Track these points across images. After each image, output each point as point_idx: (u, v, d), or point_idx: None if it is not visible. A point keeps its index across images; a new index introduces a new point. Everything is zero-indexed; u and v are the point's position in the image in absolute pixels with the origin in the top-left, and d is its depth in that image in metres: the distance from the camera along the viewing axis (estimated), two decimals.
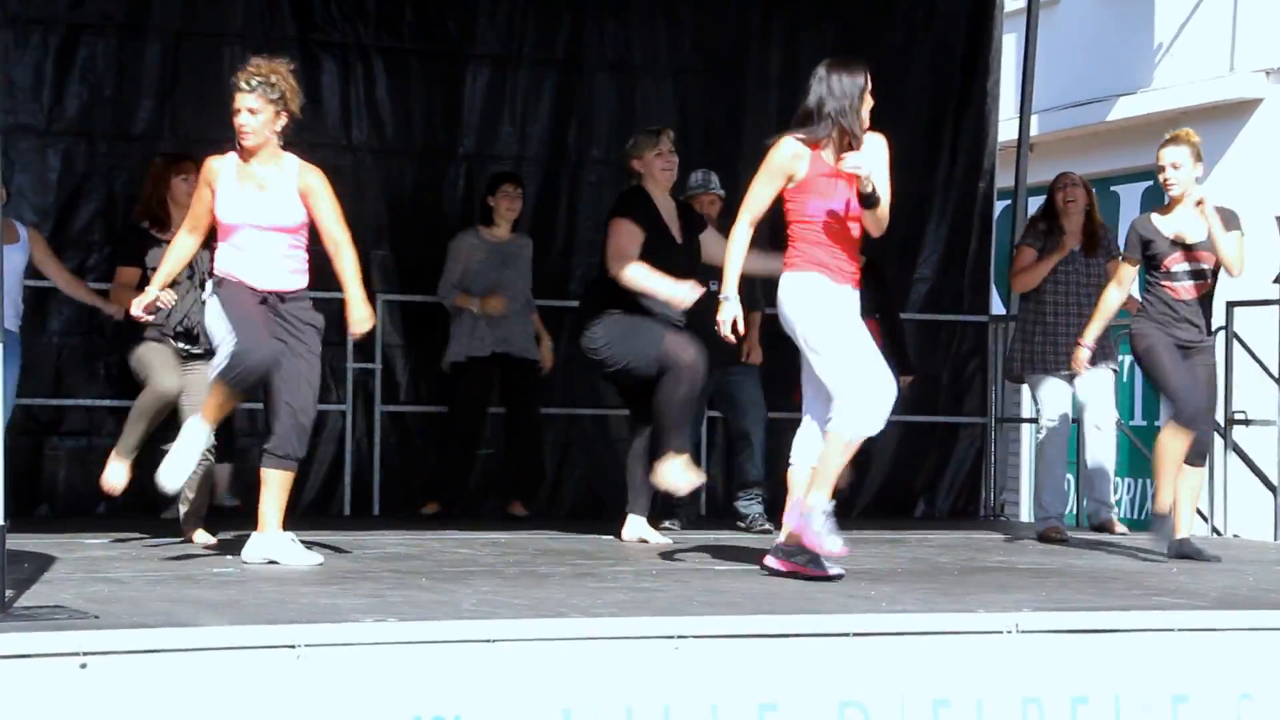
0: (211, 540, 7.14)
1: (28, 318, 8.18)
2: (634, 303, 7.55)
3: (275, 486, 6.46)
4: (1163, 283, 7.42)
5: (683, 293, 7.34)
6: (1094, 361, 8.13)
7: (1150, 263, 7.47)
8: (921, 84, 10.63)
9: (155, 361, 7.28)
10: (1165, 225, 7.44)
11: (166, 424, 7.23)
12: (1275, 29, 12.52)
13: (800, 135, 6.26)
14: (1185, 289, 7.39)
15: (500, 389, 9.35)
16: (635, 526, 7.78)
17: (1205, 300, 7.45)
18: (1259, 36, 12.61)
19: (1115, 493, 9.79)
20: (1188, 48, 13.07)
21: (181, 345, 7.30)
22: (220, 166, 6.46)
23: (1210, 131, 10.79)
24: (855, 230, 6.28)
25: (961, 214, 10.73)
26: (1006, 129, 11.14)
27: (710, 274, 7.52)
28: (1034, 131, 11.48)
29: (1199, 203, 7.33)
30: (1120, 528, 8.77)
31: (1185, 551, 7.36)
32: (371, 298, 9.61)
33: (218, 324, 6.40)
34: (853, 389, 6.09)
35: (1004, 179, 11.09)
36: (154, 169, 7.73)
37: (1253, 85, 12.66)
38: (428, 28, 9.93)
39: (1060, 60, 13.19)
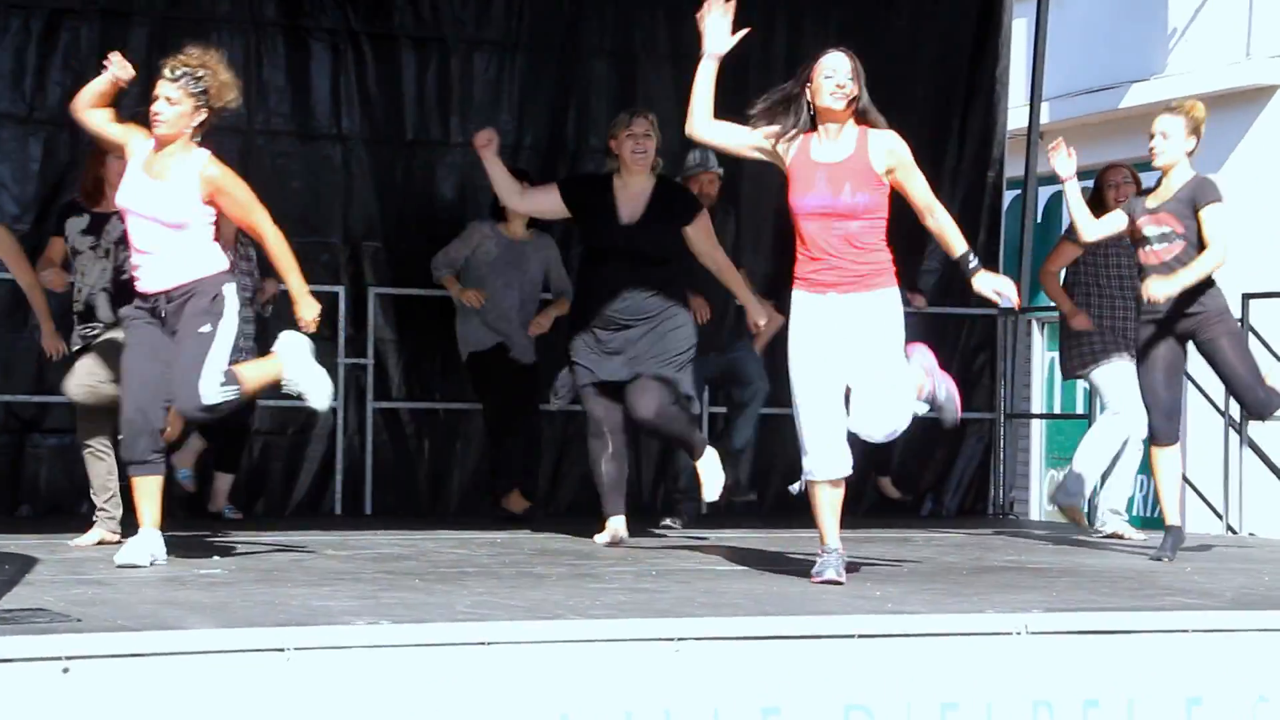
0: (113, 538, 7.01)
1: (7, 314, 8.08)
2: (588, 304, 7.65)
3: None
4: (1139, 250, 7.23)
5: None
6: (1108, 350, 7.99)
7: (1133, 240, 7.31)
8: (929, 71, 10.53)
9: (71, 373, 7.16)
10: (1149, 196, 7.31)
11: None
12: None
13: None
14: (1155, 253, 7.16)
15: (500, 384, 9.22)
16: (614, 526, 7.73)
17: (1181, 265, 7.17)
18: (1275, 21, 12.52)
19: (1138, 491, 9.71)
20: (1202, 33, 12.98)
21: (80, 331, 7.13)
22: (138, 146, 6.37)
23: (1225, 118, 10.72)
24: (839, 228, 5.97)
25: (970, 204, 10.62)
26: (1016, 117, 11.03)
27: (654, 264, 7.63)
28: (1044, 119, 11.38)
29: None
30: (1133, 533, 8.54)
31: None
32: (363, 291, 9.63)
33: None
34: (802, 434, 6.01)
35: (1014, 168, 10.98)
36: (94, 147, 7.61)
37: (1269, 71, 12.56)
38: (419, 13, 9.82)
39: (1071, 46, 13.10)
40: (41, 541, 6.98)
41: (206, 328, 6.21)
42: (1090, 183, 8.70)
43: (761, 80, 10.44)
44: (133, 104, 8.82)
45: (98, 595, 5.24)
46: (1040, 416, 13.86)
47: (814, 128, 6.09)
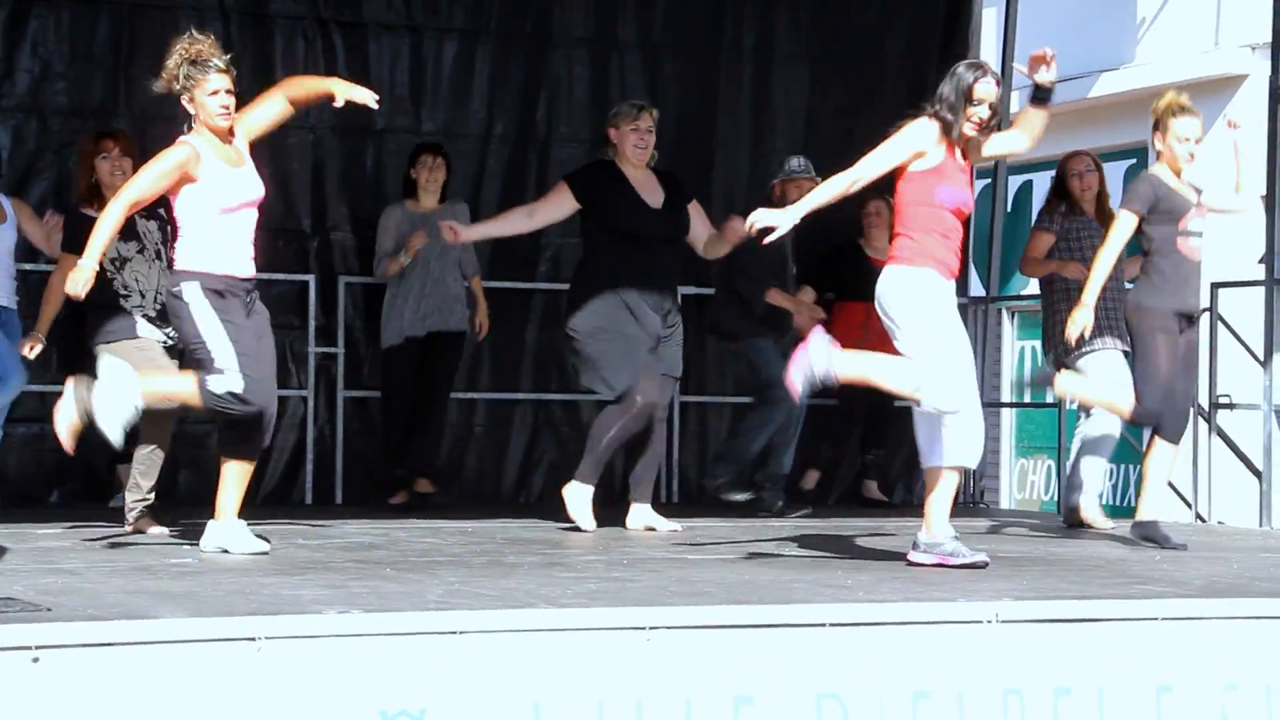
0: (164, 530, 7.00)
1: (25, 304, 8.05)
2: (620, 286, 7.64)
3: (234, 476, 6.37)
4: (1179, 241, 7.23)
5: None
6: (1101, 336, 7.97)
7: (1161, 221, 7.26)
8: (898, 62, 10.53)
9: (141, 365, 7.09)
10: (1177, 184, 7.29)
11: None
12: (1261, 2, 12.45)
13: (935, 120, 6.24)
14: (1198, 249, 7.25)
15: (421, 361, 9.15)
16: (640, 515, 7.82)
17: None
18: (1244, 10, 12.55)
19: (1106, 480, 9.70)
20: (1171, 22, 13.01)
21: (166, 332, 7.04)
22: (200, 149, 6.29)
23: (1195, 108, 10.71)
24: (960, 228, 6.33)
25: None
26: None
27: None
28: (1014, 109, 11.37)
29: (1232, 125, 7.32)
30: (1106, 523, 8.55)
31: (1149, 534, 7.26)
32: (333, 280, 9.60)
33: (206, 330, 6.23)
34: (953, 417, 6.17)
35: None
36: (80, 150, 7.58)
37: (1238, 60, 12.59)
38: (389, 1, 9.77)
39: (1041, 36, 13.00)
40: (11, 531, 6.94)
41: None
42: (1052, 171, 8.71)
43: (732, 69, 10.51)
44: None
45: (68, 584, 5.21)
46: (1011, 405, 13.87)
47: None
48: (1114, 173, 13.34)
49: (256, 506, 9.11)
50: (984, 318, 10.72)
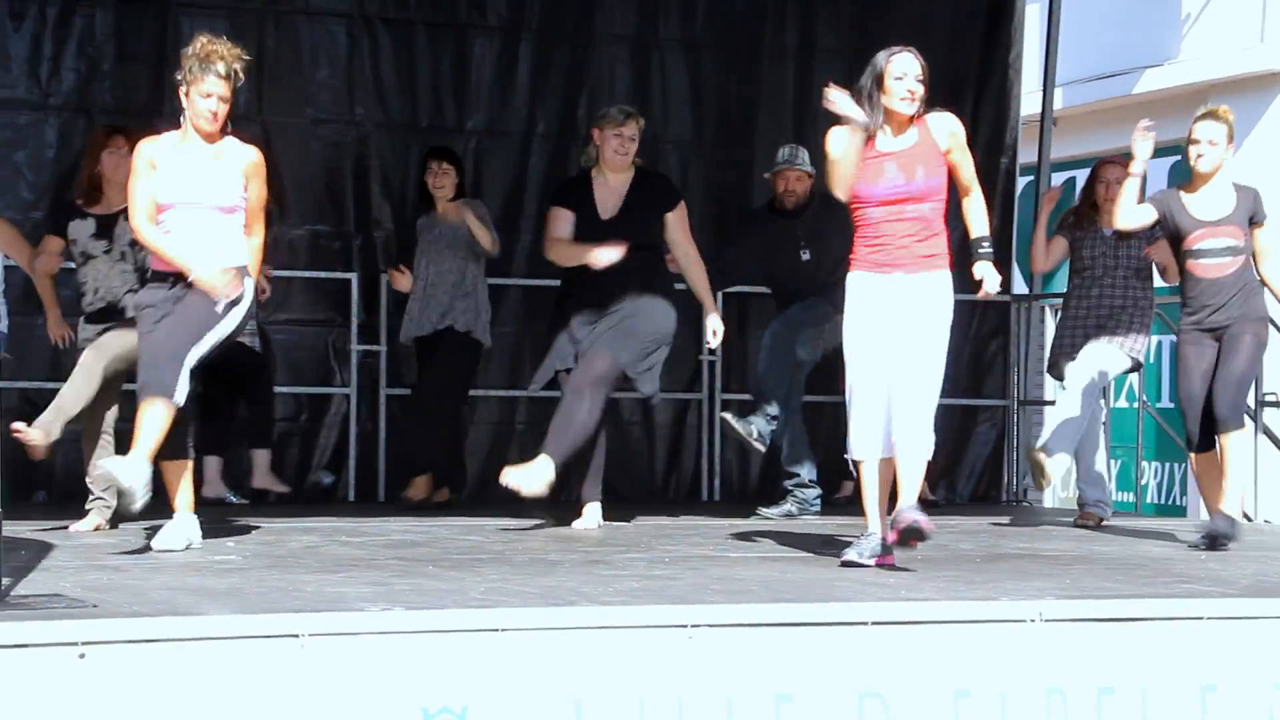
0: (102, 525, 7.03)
1: (21, 301, 8.08)
2: (565, 301, 7.70)
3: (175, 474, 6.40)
4: (1188, 262, 7.28)
5: (600, 255, 7.47)
6: (1107, 334, 7.99)
7: (1173, 241, 7.33)
8: (941, 58, 10.40)
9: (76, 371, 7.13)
10: (1192, 203, 7.30)
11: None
12: None
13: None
14: (1215, 267, 7.24)
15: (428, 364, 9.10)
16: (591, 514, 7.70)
17: (1239, 277, 7.26)
18: None
19: (1143, 477, 9.63)
20: (1215, 18, 12.92)
21: (96, 329, 7.12)
22: (165, 143, 6.34)
23: (1238, 104, 10.60)
24: (912, 211, 6.15)
25: (983, 190, 10.53)
26: (1029, 103, 10.99)
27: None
28: (1058, 105, 11.35)
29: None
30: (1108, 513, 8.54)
31: (1221, 530, 7.22)
32: (375, 278, 9.61)
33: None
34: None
35: (1027, 154, 10.94)
36: (90, 141, 7.58)
37: None
38: None
39: (1085, 32, 13.06)
40: (57, 527, 6.99)
41: (219, 308, 6.25)
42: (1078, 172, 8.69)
43: (774, 67, 10.50)
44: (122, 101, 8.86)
45: (113, 581, 5.24)
46: (1054, 404, 13.81)
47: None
48: (1157, 169, 13.27)
49: (301, 503, 9.23)
50: (1026, 315, 10.68)
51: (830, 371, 9.33)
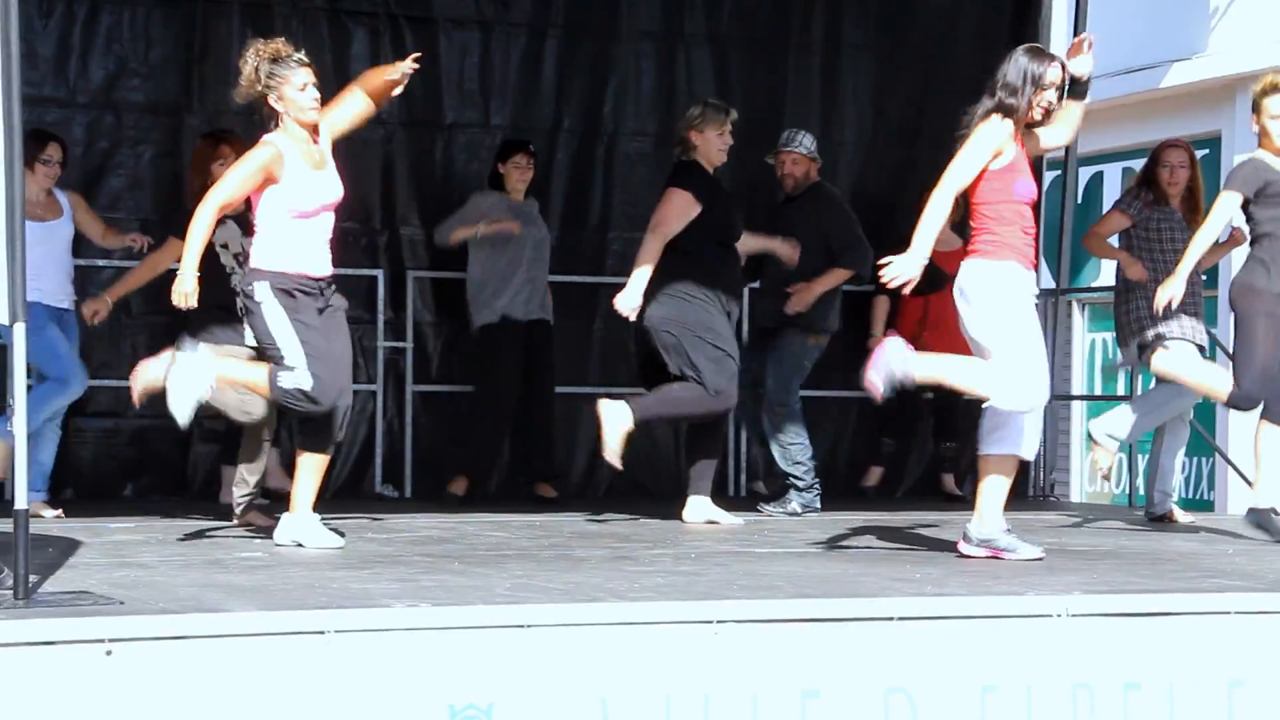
0: (272, 523, 7.07)
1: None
2: (701, 278, 7.70)
3: (308, 469, 6.40)
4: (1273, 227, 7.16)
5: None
6: (1168, 324, 7.86)
7: (1267, 205, 7.18)
8: (968, 51, 10.45)
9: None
10: (1278, 164, 7.20)
11: None
12: None
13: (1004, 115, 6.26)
14: None
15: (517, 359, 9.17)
16: (699, 508, 7.78)
17: None
18: None
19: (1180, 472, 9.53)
20: (1243, 11, 12.84)
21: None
22: (285, 149, 6.32)
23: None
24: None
25: None
26: None
27: None
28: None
29: None
30: (1182, 516, 8.45)
31: (1262, 522, 7.15)
32: (402, 274, 9.64)
33: (276, 328, 6.28)
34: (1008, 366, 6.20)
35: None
36: (196, 151, 7.71)
37: None
38: None
39: (1113, 25, 12.99)
40: (85, 525, 7.01)
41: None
42: (1130, 163, 8.61)
43: (801, 61, 10.48)
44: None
45: (140, 578, 5.26)
46: (1081, 398, 13.77)
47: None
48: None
49: (327, 500, 9.24)
50: (1054, 310, 10.64)
51: (850, 365, 9.35)
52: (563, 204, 9.77)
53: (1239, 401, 7.24)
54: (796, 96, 10.31)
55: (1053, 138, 6.52)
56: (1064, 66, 6.37)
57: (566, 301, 9.51)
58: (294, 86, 6.29)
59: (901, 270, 6.06)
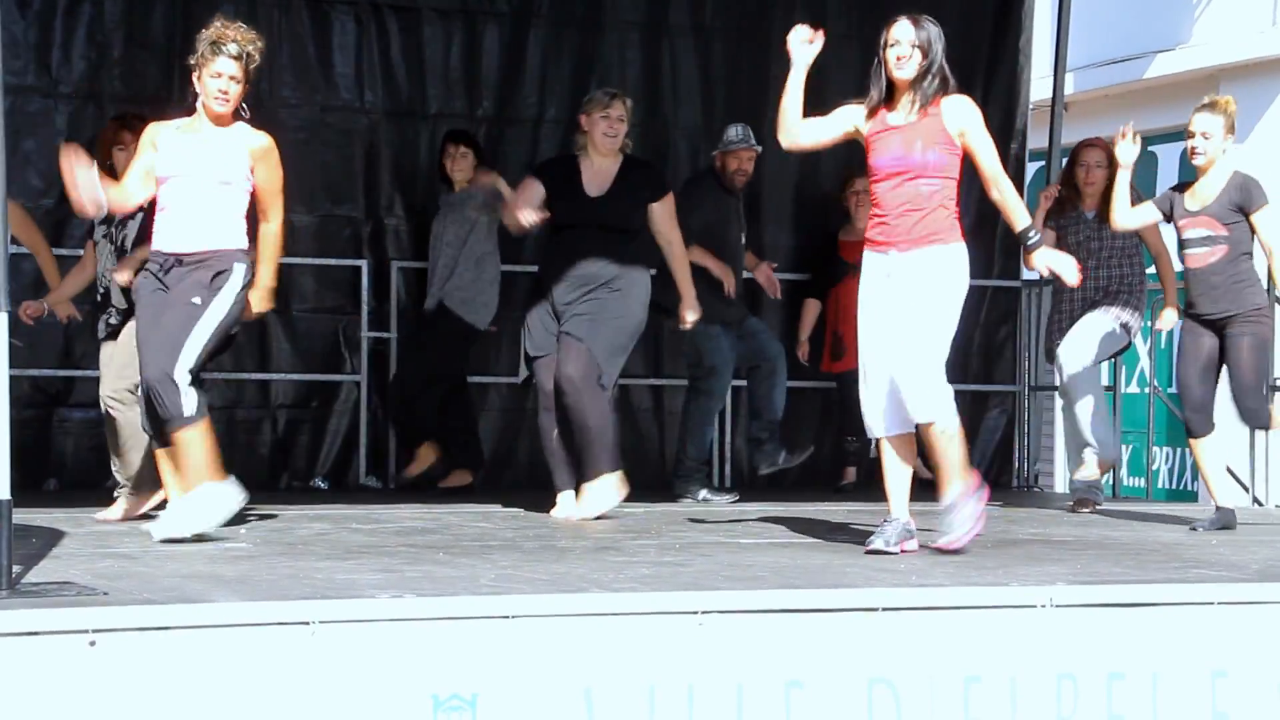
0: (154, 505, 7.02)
1: (34, 288, 8.07)
2: (548, 275, 7.63)
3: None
4: (1182, 254, 7.39)
5: (523, 216, 7.49)
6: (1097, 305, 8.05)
7: (1174, 230, 7.45)
8: (951, 42, 10.35)
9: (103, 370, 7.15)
10: (1189, 194, 7.41)
11: None
12: None
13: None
14: (1198, 256, 7.30)
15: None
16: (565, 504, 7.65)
17: (1231, 266, 7.26)
18: None
19: (1154, 463, 9.61)
20: (1228, 2, 12.87)
21: (103, 319, 7.11)
22: (163, 133, 6.38)
23: (1250, 89, 10.62)
24: (909, 188, 6.11)
25: None
26: (1041, 87, 10.95)
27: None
28: (1069, 90, 11.29)
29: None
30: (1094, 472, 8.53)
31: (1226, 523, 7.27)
32: (386, 264, 9.62)
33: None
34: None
35: (1037, 139, 10.91)
36: (101, 135, 7.55)
37: None
38: None
39: (1096, 16, 13.01)
40: (68, 515, 6.99)
41: (197, 300, 6.23)
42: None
43: (785, 53, 10.43)
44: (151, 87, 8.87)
45: (124, 569, 5.24)
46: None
47: (892, 98, 6.21)
48: (1169, 155, 13.25)
49: (311, 490, 9.23)
50: (1037, 300, 10.66)
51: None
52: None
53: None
54: (780, 87, 10.27)
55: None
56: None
57: (512, 291, 9.44)
58: (209, 72, 6.30)
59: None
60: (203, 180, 6.30)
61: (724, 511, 8.04)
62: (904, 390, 6.07)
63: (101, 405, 7.18)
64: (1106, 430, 8.28)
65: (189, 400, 6.13)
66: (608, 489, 7.42)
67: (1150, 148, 13.08)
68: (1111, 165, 8.26)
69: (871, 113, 6.22)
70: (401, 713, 4.31)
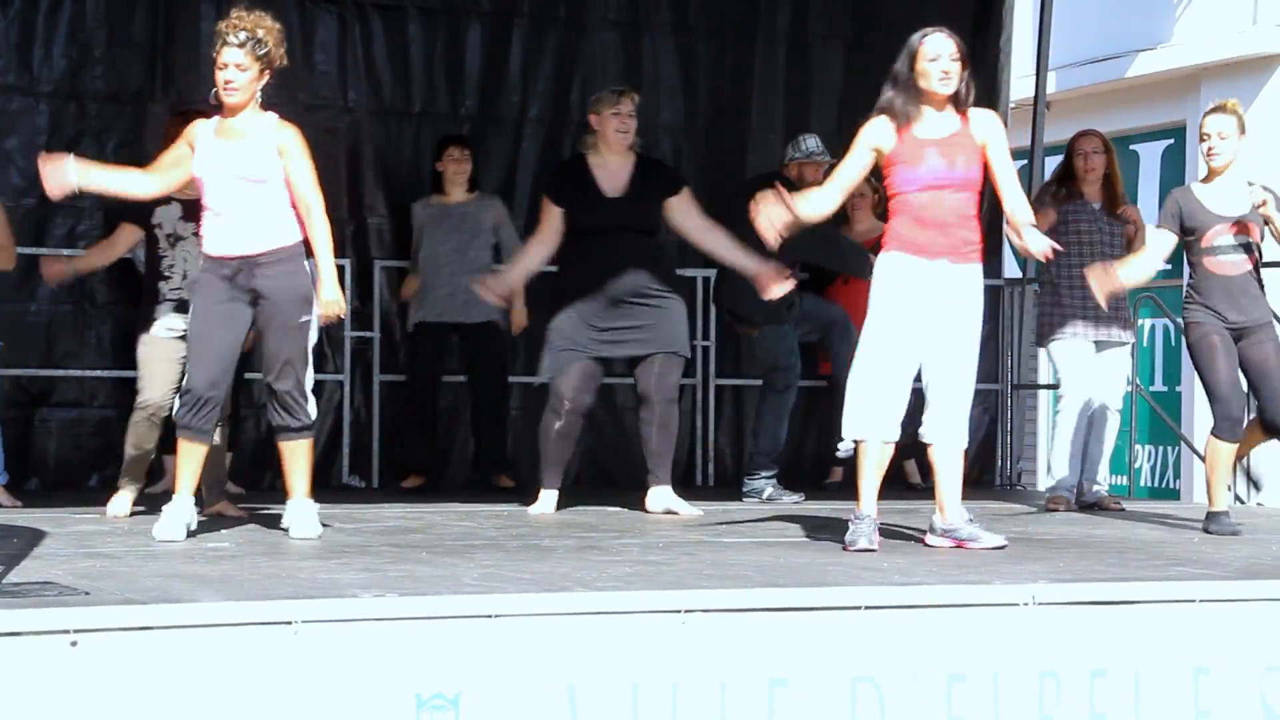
0: (240, 512, 7.06)
1: (14, 289, 8.06)
2: (579, 281, 7.61)
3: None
4: (1205, 259, 7.17)
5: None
6: (1109, 329, 7.99)
7: (1190, 237, 7.21)
8: None
9: (149, 365, 7.11)
10: (1207, 196, 7.21)
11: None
12: None
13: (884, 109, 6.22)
14: (1230, 264, 7.16)
15: (460, 356, 9.26)
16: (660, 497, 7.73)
17: (1255, 275, 7.22)
18: None
19: (1136, 461, 9.63)
20: (1209, 1, 12.90)
21: (179, 324, 7.05)
22: (200, 131, 6.35)
23: (1231, 88, 10.63)
24: (951, 199, 6.16)
25: None
26: (1022, 86, 10.97)
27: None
28: (1051, 89, 11.31)
29: (1262, 204, 7.10)
30: (1115, 502, 8.54)
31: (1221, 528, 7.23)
32: (369, 264, 9.62)
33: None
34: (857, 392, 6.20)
35: (1019, 138, 10.92)
36: (167, 127, 7.56)
37: (1276, 39, 12.46)
38: None
39: (1078, 15, 13.04)
40: (49, 515, 6.98)
41: (306, 317, 6.28)
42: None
43: (767, 52, 10.49)
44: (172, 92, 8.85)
45: (105, 568, 5.23)
46: (1047, 387, 13.76)
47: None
48: (1151, 154, 13.30)
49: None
50: (1020, 299, 10.69)
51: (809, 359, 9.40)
52: (530, 192, 9.75)
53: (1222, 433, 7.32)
54: (763, 87, 10.32)
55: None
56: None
57: (531, 292, 9.47)
58: (218, 64, 6.28)
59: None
60: (233, 179, 6.26)
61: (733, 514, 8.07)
62: (953, 412, 6.19)
63: (156, 410, 7.09)
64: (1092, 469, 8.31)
65: (313, 408, 6.35)
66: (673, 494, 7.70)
67: (1131, 146, 13.14)
68: (1109, 153, 8.29)
69: (901, 126, 6.18)
70: (384, 712, 4.31)
